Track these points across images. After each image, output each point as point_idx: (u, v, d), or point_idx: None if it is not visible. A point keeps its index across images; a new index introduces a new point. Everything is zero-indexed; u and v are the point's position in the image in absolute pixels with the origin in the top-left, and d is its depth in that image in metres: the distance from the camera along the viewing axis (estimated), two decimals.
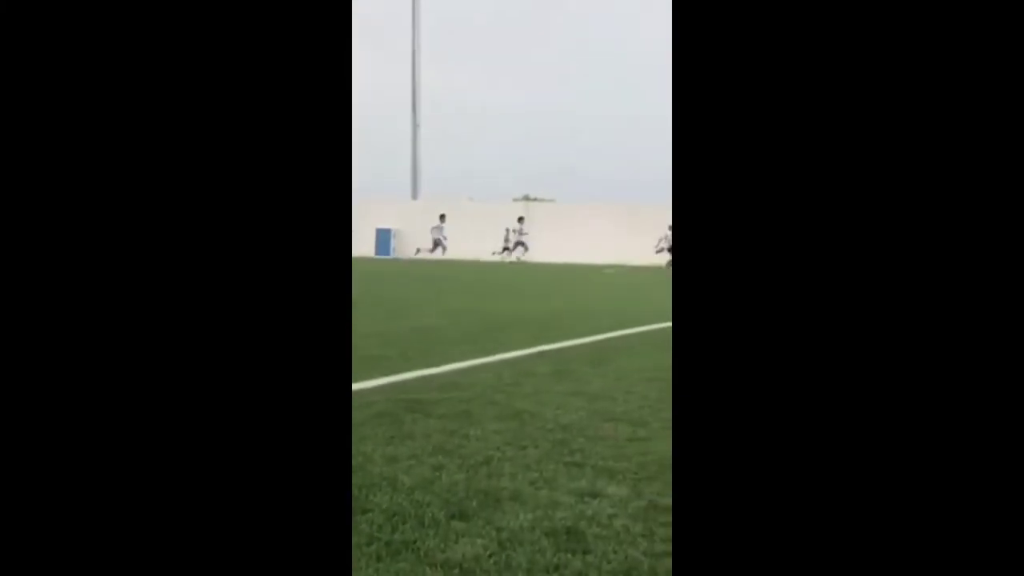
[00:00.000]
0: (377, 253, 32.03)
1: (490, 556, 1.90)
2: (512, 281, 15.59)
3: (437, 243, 30.14)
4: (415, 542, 1.97)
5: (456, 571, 1.83)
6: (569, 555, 1.91)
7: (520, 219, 30.13)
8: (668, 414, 3.41)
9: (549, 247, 30.94)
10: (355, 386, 3.69)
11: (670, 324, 7.35)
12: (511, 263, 27.62)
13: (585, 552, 1.93)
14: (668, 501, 2.28)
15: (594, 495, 2.32)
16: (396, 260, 28.64)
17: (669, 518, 2.14)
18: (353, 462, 2.49)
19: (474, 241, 30.52)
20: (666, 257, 29.58)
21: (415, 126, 38.17)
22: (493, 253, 29.90)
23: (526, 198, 41.07)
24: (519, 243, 29.85)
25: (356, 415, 3.01)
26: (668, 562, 1.88)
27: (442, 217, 30.44)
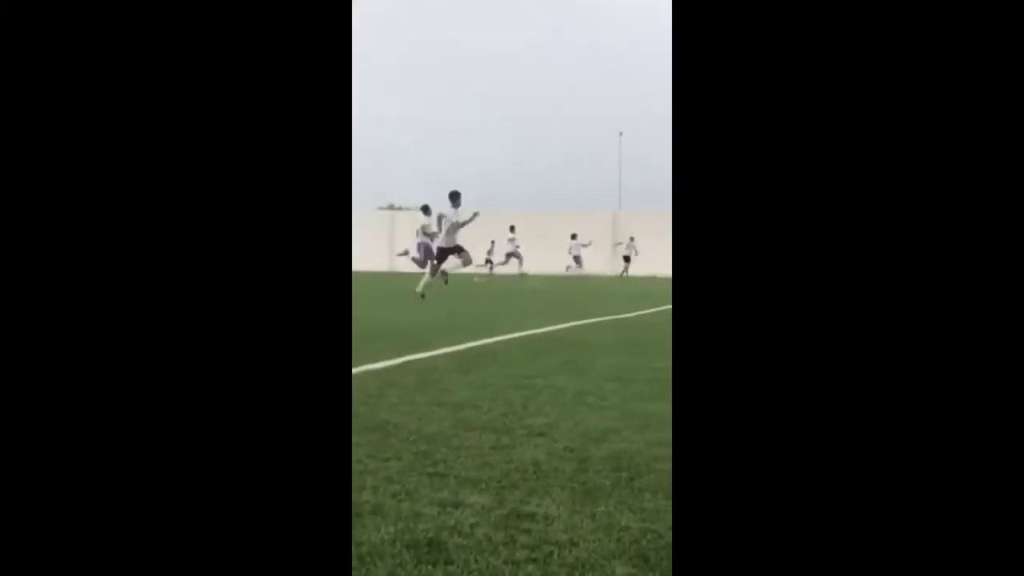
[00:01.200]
0: None
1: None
2: (380, 291, 15.43)
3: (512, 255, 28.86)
4: None
5: None
6: (430, 567, 1.89)
7: (511, 228, 29.16)
8: (532, 420, 3.45)
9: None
10: None
11: (539, 331, 7.44)
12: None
13: (447, 563, 1.91)
14: (530, 508, 2.30)
15: (456, 505, 2.32)
16: None
17: (531, 525, 2.16)
18: None
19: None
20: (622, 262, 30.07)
21: None
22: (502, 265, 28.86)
23: (391, 207, 40.76)
24: (512, 254, 29.02)
25: None
26: (529, 568, 1.89)
27: (573, 236, 29.29)
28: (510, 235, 28.82)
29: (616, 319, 9.26)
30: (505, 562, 1.92)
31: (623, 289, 17.87)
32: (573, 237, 29.30)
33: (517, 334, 7.19)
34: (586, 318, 9.08)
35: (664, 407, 3.79)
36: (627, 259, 30.21)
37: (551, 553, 1.97)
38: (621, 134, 41.86)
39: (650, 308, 11.21)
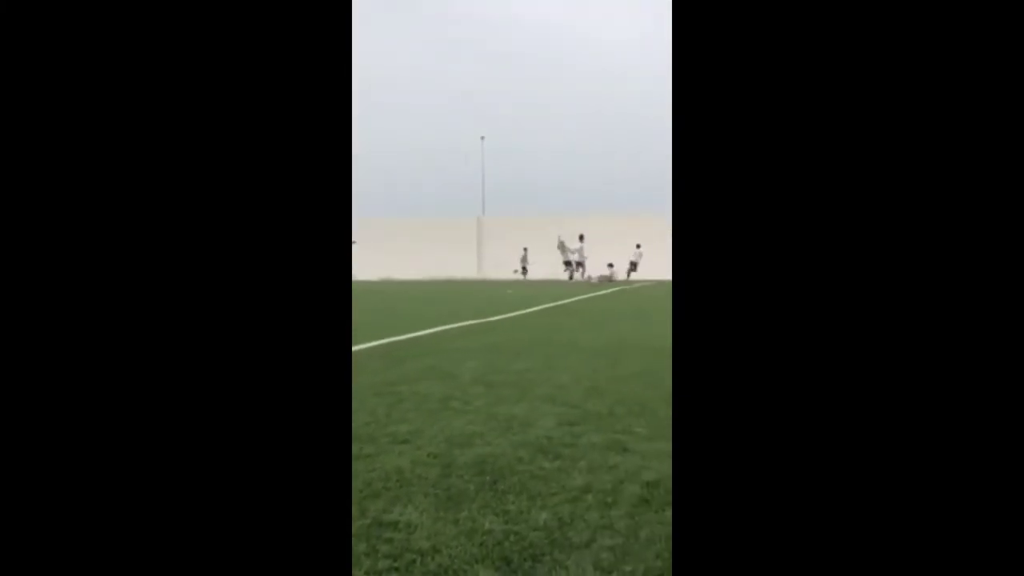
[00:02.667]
0: None
1: None
2: None
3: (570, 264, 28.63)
4: None
5: None
6: None
7: (581, 237, 29.31)
8: (395, 428, 3.41)
9: None
10: None
11: (403, 337, 7.38)
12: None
13: None
14: (393, 517, 2.27)
15: None
16: None
17: (393, 534, 2.13)
18: None
19: None
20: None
21: None
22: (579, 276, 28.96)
23: None
24: (579, 263, 29.06)
25: None
26: None
27: (581, 237, 29.23)
28: (579, 244, 29.04)
29: (480, 323, 9.30)
30: (367, 573, 1.89)
31: (485, 293, 17.97)
32: (581, 239, 29.64)
33: (381, 341, 7.11)
34: (450, 323, 9.08)
35: (527, 409, 3.82)
36: (634, 265, 30.43)
37: (413, 561, 1.95)
38: (483, 138, 42.19)
39: (513, 312, 11.32)
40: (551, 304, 13.38)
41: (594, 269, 29.84)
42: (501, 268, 33.24)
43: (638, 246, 30.73)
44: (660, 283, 25.67)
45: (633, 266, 30.49)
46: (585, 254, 29.43)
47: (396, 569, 1.91)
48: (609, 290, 19.74)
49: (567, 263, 29.67)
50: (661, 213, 33.59)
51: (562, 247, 29.91)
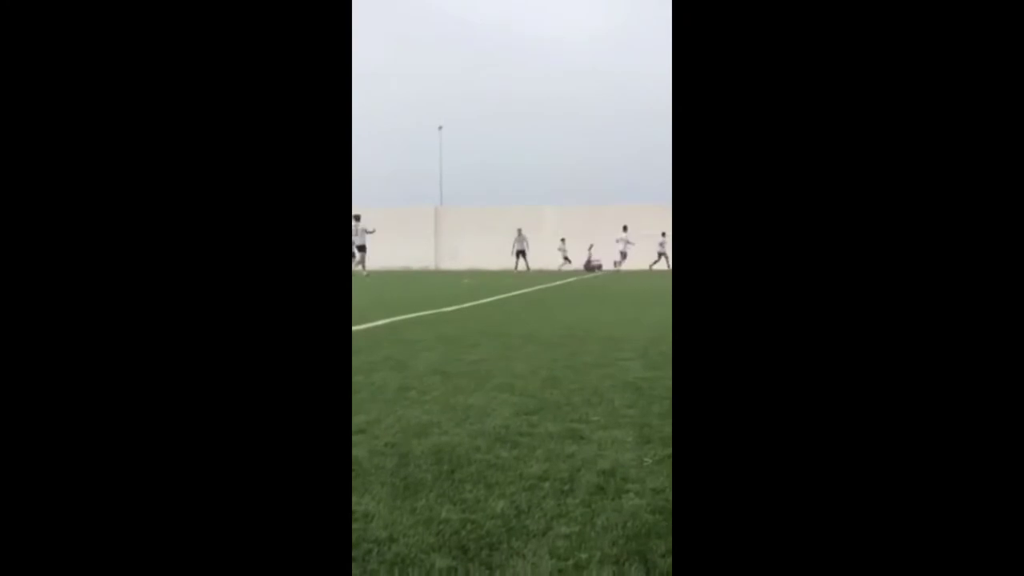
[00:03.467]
0: None
1: None
2: None
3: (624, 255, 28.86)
4: None
5: None
6: None
7: (624, 228, 29.41)
8: (353, 418, 3.39)
9: None
10: None
11: (357, 328, 7.32)
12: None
13: None
14: None
15: None
16: None
17: None
18: None
19: None
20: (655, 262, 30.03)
21: None
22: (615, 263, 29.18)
23: None
24: (623, 252, 29.31)
25: None
26: None
27: (624, 228, 29.28)
28: (623, 234, 29.18)
29: (436, 313, 9.28)
30: None
31: (441, 283, 17.94)
32: (625, 229, 29.73)
33: None
34: (406, 313, 9.05)
35: (484, 399, 3.83)
36: (661, 255, 30.36)
37: (370, 551, 1.94)
38: (440, 128, 42.04)
39: (470, 302, 11.32)
40: (507, 295, 13.40)
41: (579, 260, 30.09)
42: (459, 259, 33.16)
43: (664, 234, 30.24)
44: (614, 274, 25.82)
45: (661, 255, 30.17)
46: (631, 242, 29.37)
47: (353, 559, 1.90)
48: (562, 281, 19.81)
49: (520, 252, 29.67)
50: (612, 204, 33.80)
51: (519, 238, 29.91)
